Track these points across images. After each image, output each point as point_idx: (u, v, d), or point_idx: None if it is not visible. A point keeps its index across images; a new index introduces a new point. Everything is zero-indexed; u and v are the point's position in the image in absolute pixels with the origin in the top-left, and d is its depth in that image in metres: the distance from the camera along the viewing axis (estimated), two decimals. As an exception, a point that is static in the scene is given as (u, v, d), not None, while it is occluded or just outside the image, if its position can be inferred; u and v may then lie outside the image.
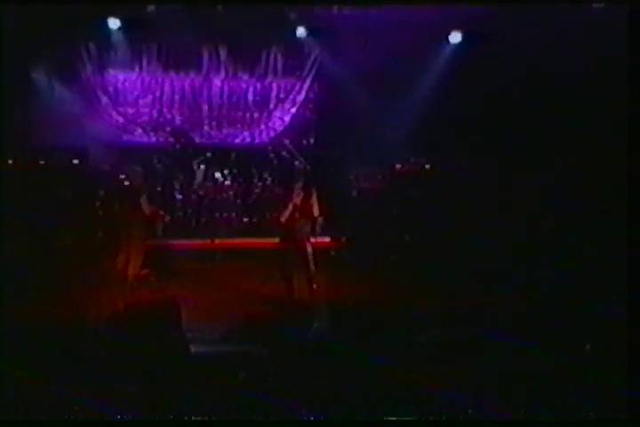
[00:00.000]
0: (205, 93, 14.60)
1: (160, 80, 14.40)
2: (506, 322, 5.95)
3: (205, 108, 14.65)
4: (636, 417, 4.51)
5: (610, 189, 9.77)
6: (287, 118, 14.90)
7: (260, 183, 13.94)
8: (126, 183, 10.92)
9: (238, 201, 13.72)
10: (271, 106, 14.87)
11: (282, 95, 14.86)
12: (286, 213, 9.80)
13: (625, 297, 5.35)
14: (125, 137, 14.33)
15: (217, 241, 12.59)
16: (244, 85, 14.71)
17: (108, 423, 4.43)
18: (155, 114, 14.52)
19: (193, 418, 4.59)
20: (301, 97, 14.86)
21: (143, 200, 10.28)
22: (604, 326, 5.68)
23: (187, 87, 14.53)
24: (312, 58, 14.53)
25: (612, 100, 9.24)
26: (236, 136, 14.81)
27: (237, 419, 4.58)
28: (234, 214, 13.61)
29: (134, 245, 10.37)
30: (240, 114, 14.82)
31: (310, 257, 9.86)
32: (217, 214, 13.50)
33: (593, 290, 8.17)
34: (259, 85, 14.74)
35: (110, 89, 14.17)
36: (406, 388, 4.79)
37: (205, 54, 14.32)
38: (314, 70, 14.67)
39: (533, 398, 4.68)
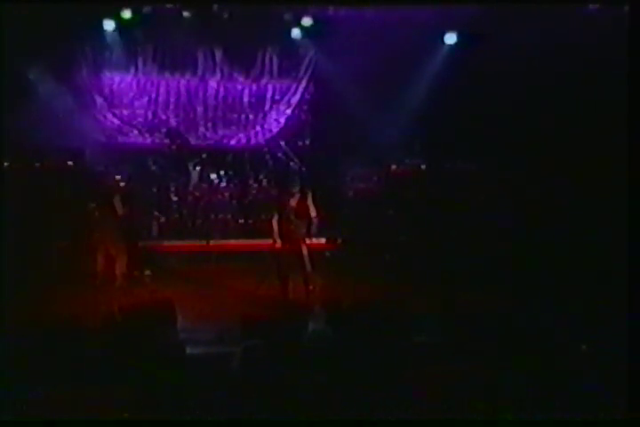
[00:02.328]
0: (201, 95, 14.60)
1: (155, 82, 14.41)
2: (505, 322, 5.92)
3: (201, 109, 14.65)
4: (636, 417, 4.49)
5: (610, 190, 9.75)
6: (282, 120, 14.91)
7: (255, 185, 13.93)
8: (101, 184, 10.91)
9: (234, 202, 13.72)
10: (266, 107, 14.88)
11: (277, 97, 14.87)
12: (281, 216, 9.81)
13: (625, 297, 5.34)
14: (121, 139, 14.32)
15: (212, 242, 12.57)
16: (239, 87, 14.72)
17: (104, 424, 4.40)
18: (150, 115, 14.53)
19: (188, 419, 4.57)
20: (297, 98, 14.86)
21: (116, 201, 10.25)
22: (603, 326, 5.67)
23: (182, 89, 14.54)
24: (307, 59, 14.55)
25: (612, 101, 9.21)
26: (232, 137, 14.80)
27: (233, 420, 4.55)
28: (229, 216, 13.60)
29: (114, 246, 10.32)
30: (235, 115, 14.83)
31: (306, 258, 9.85)
32: (212, 216, 13.48)
33: (593, 290, 8.15)
34: (254, 87, 14.75)
35: (105, 91, 14.17)
36: (405, 388, 4.77)
37: (201, 56, 14.32)
38: (309, 71, 14.68)
39: (533, 398, 4.65)
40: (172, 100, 14.53)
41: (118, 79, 14.21)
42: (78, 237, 11.87)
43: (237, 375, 5.02)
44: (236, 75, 14.57)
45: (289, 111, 14.93)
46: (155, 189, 13.37)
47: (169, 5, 12.55)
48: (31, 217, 11.39)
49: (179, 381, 5.05)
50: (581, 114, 11.78)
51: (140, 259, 11.13)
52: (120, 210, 10.30)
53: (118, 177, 11.53)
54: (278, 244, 9.90)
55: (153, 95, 14.45)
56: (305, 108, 15.04)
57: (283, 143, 14.69)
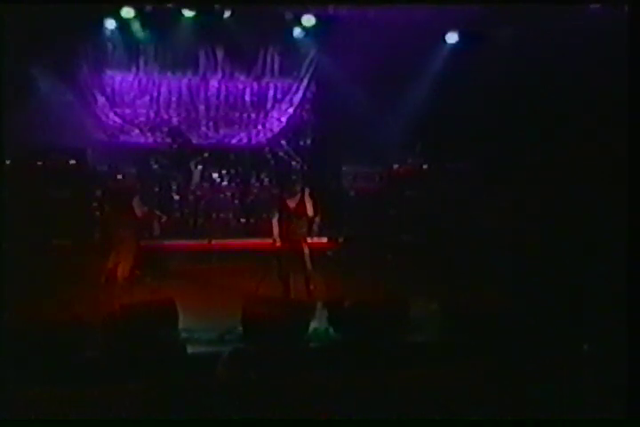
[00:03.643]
0: (202, 94, 14.58)
1: (157, 81, 14.38)
2: (505, 322, 5.93)
3: (202, 108, 14.63)
4: (636, 417, 4.49)
5: (610, 190, 9.75)
6: (284, 119, 14.88)
7: (257, 184, 13.94)
8: (118, 184, 10.88)
9: (235, 202, 13.72)
10: (268, 106, 14.86)
11: (279, 96, 14.85)
12: (282, 215, 9.80)
13: (625, 297, 5.34)
14: (122, 138, 14.29)
15: (214, 242, 12.56)
16: (240, 86, 14.69)
17: (105, 423, 4.41)
18: (152, 114, 14.50)
19: (189, 418, 4.57)
20: (298, 97, 14.84)
21: (136, 202, 10.23)
22: (603, 326, 5.67)
23: (184, 88, 14.51)
24: (309, 58, 14.53)
25: (612, 101, 9.21)
26: (233, 137, 14.78)
27: (234, 419, 4.55)
28: (231, 215, 13.61)
29: (125, 246, 10.32)
30: (237, 114, 14.81)
31: (307, 258, 9.83)
32: (214, 215, 13.49)
33: (593, 290, 8.14)
34: (256, 86, 14.73)
35: (107, 90, 14.14)
36: (405, 388, 4.77)
37: (202, 55, 14.31)
38: (311, 71, 14.66)
39: (533, 398, 4.66)
40: (173, 99, 14.51)
41: (120, 78, 14.19)
42: (85, 237, 11.90)
43: (237, 375, 5.03)
44: (237, 74, 14.55)
45: (290, 110, 14.91)
46: (156, 188, 13.38)
47: (170, 4, 12.54)
48: (33, 216, 11.41)
49: (179, 380, 5.06)
50: (582, 114, 11.76)
51: (142, 258, 11.12)
52: (139, 211, 10.28)
53: (134, 177, 11.48)
54: (279, 243, 9.88)
55: (154, 94, 14.42)
56: (307, 107, 15.02)
57: (284, 142, 14.70)
